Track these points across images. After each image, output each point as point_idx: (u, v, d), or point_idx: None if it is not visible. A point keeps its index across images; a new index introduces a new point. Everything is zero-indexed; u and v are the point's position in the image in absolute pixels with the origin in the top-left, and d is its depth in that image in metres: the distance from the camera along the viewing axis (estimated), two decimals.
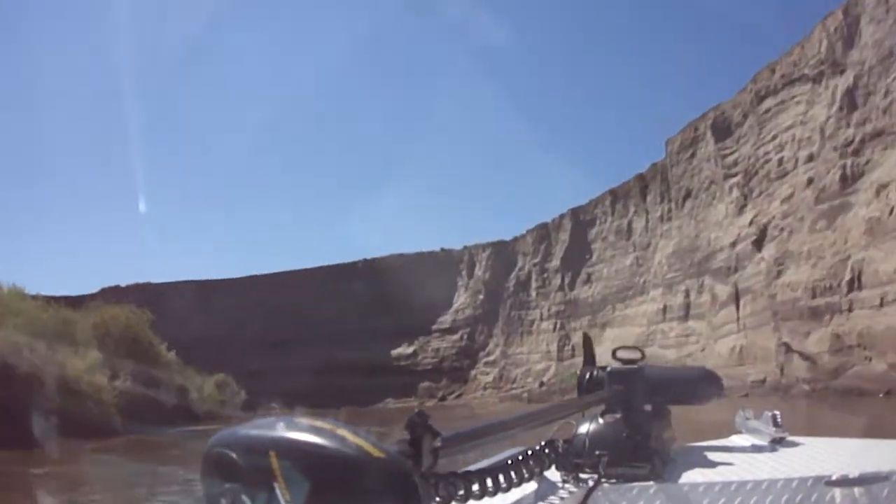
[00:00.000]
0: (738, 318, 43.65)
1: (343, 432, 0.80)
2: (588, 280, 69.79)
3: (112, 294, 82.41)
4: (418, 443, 0.94)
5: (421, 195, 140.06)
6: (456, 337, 78.65)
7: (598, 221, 70.91)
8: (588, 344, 2.22)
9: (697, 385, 2.12)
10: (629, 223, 67.51)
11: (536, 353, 71.29)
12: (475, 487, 1.13)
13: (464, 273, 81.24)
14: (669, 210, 62.35)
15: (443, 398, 74.26)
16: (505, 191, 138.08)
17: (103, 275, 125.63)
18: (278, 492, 0.78)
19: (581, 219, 72.46)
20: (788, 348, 36.66)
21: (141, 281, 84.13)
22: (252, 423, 0.86)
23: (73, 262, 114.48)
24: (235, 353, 77.72)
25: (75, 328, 30.73)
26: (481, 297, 78.23)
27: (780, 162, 43.70)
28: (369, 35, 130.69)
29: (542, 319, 72.35)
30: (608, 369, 1.88)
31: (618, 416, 1.73)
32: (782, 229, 40.37)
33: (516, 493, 1.34)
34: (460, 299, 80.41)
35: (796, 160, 42.27)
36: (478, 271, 79.81)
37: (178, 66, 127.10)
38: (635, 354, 1.93)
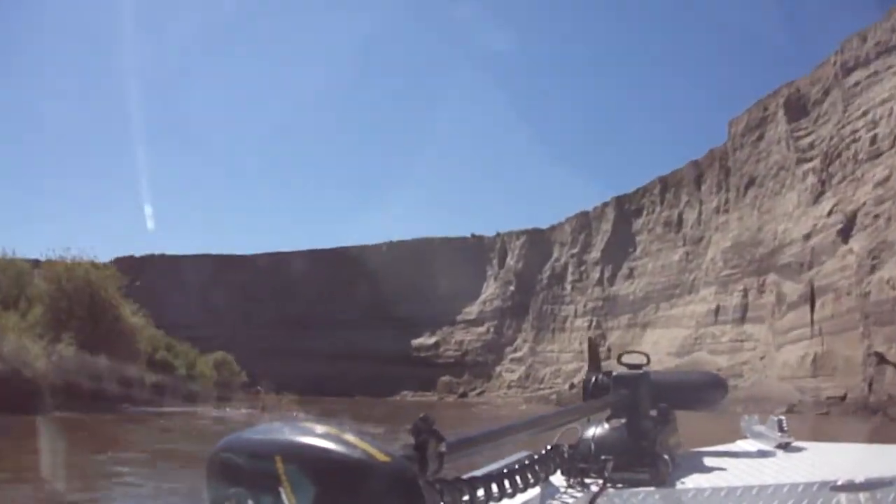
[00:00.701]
0: (811, 322, 37.10)
1: (349, 437, 0.80)
2: (630, 275, 63.47)
3: (125, 264, 78.73)
4: (423, 447, 0.94)
5: (452, 179, 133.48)
6: (482, 329, 72.92)
7: (644, 211, 64.50)
8: (593, 349, 2.05)
9: (703, 390, 2.09)
10: (680, 214, 61.02)
11: (568, 351, 65.23)
12: (480, 492, 1.13)
13: (494, 262, 75.41)
14: (727, 200, 55.80)
15: (464, 394, 68.69)
16: (543, 177, 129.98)
17: (118, 245, 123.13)
18: (284, 496, 0.78)
19: (626, 208, 66.11)
20: (882, 359, 30.15)
21: (156, 252, 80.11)
22: (258, 427, 0.87)
23: (88, 232, 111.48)
24: (248, 331, 73.70)
25: (26, 282, 25.84)
26: (512, 288, 72.36)
27: (873, 140, 37.02)
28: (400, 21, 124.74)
29: (576, 316, 66.22)
30: (613, 374, 1.83)
31: (623, 421, 1.71)
32: (876, 216, 33.75)
33: (521, 498, 1.33)
34: (489, 289, 74.64)
35: (894, 138, 35.62)
36: (510, 260, 73.92)
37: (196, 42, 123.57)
38: (640, 359, 1.92)
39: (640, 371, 1.83)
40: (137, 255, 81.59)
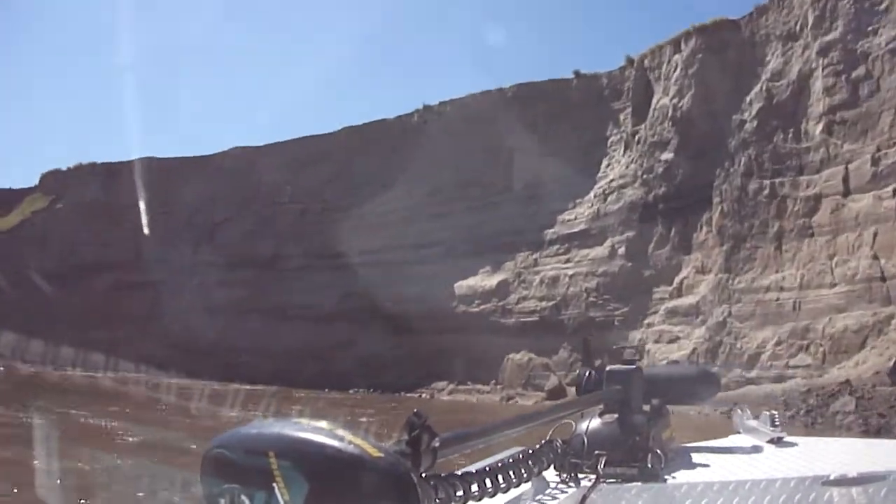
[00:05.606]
0: None
1: (342, 432, 0.81)
2: None
3: (53, 181, 54.23)
4: (417, 443, 0.93)
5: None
6: (599, 251, 33.67)
7: None
8: (587, 345, 2.55)
9: (694, 385, 2.08)
10: None
11: (826, 282, 25.40)
12: (474, 488, 1.15)
13: (625, 114, 35.46)
14: None
15: (559, 390, 30.04)
16: None
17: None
18: (277, 492, 0.78)
19: None
20: None
21: (85, 161, 55.48)
22: (251, 424, 0.87)
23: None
24: (204, 273, 44.43)
25: None
26: (666, 155, 32.37)
27: None
28: None
29: (847, 192, 25.65)
30: (606, 369, 1.82)
31: (616, 416, 1.71)
32: None
33: (514, 493, 1.35)
34: (614, 169, 34.99)
35: None
36: (660, 99, 33.78)
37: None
38: (632, 354, 1.90)
39: (633, 366, 1.77)
40: (64, 167, 55.96)
